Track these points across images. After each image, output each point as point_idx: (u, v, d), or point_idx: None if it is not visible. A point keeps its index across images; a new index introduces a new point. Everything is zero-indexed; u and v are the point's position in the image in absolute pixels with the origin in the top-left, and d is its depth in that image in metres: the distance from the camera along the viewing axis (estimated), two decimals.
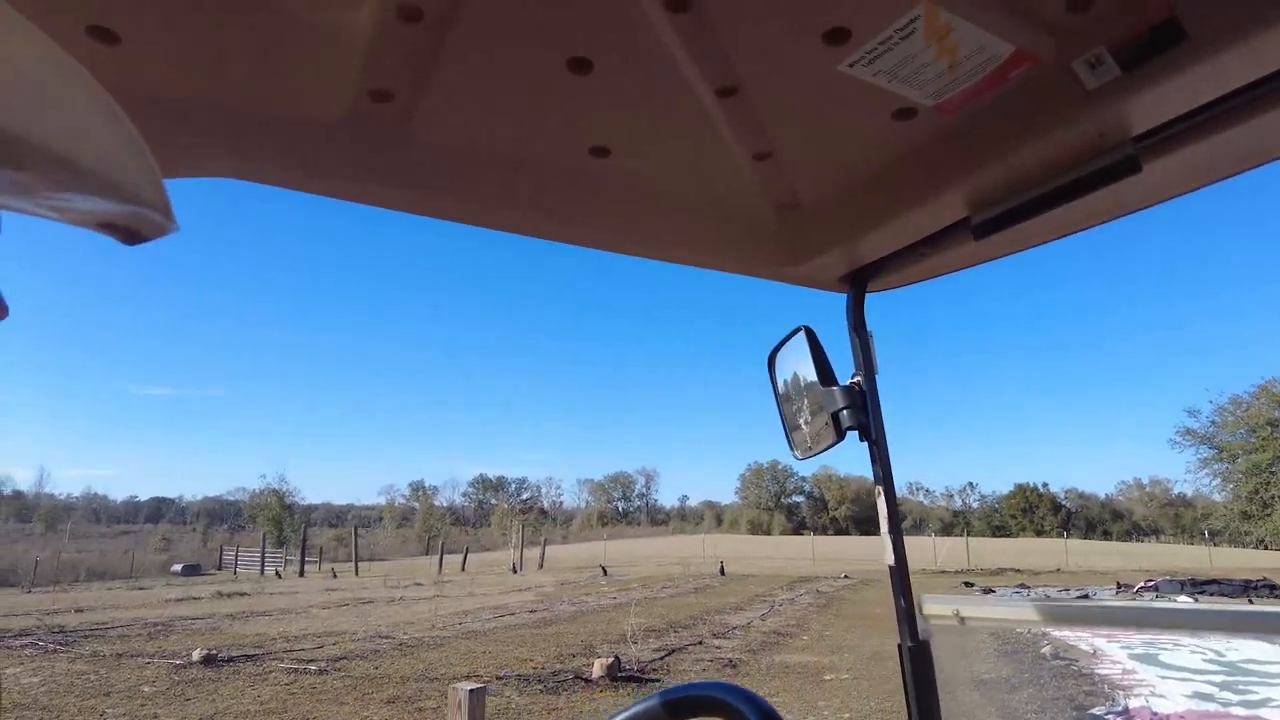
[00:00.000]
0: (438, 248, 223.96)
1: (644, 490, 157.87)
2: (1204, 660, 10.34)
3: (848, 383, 1.40)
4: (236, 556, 48.69)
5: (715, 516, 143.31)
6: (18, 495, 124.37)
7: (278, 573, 39.37)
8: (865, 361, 1.44)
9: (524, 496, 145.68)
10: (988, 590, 22.35)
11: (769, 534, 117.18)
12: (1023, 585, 24.86)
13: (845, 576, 31.05)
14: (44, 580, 33.53)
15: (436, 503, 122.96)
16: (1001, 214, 1.11)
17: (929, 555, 42.15)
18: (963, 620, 1.68)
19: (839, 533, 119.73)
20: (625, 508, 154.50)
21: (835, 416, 1.36)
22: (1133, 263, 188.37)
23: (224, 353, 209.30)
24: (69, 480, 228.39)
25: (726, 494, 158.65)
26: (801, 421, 1.47)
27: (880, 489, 1.41)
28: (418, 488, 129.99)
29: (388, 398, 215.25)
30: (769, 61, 0.99)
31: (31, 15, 0.58)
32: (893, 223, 1.25)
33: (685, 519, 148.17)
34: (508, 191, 1.24)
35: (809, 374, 1.42)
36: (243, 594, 24.54)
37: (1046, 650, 11.35)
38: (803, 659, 11.59)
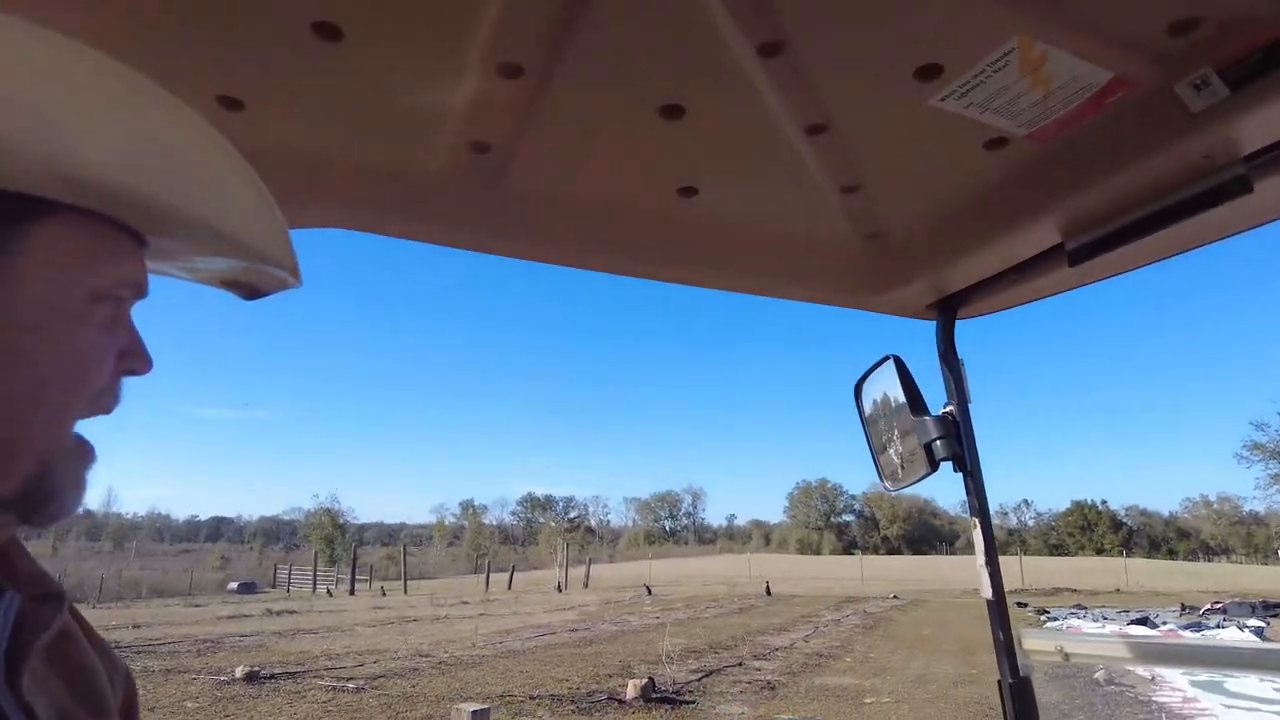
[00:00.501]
0: (490, 262, 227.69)
1: (691, 509, 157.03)
2: (1274, 689, 9.74)
3: (940, 412, 1.37)
4: (290, 575, 49.67)
5: (763, 536, 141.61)
6: (88, 514, 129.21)
7: (329, 591, 40.05)
8: (957, 390, 1.40)
9: (571, 515, 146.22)
10: (1041, 611, 21.60)
11: (818, 553, 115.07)
12: (1079, 606, 23.94)
13: (894, 597, 30.28)
14: (109, 597, 34.74)
15: (485, 521, 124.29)
16: (1098, 239, 1.07)
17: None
18: (1066, 656, 1.57)
19: (891, 552, 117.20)
20: (672, 526, 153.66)
21: (928, 447, 1.33)
22: (1201, 264, 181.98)
23: (283, 374, 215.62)
24: (135, 500, 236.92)
25: (775, 513, 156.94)
26: (892, 451, 1.45)
27: (976, 520, 1.37)
28: (467, 506, 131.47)
29: (442, 417, 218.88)
30: (860, 99, 0.98)
31: (169, 89, 0.61)
32: (983, 250, 1.23)
33: (733, 538, 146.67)
34: (598, 233, 1.28)
35: (897, 403, 1.39)
36: (291, 612, 25.00)
37: (1100, 675, 10.85)
38: (843, 681, 11.30)
